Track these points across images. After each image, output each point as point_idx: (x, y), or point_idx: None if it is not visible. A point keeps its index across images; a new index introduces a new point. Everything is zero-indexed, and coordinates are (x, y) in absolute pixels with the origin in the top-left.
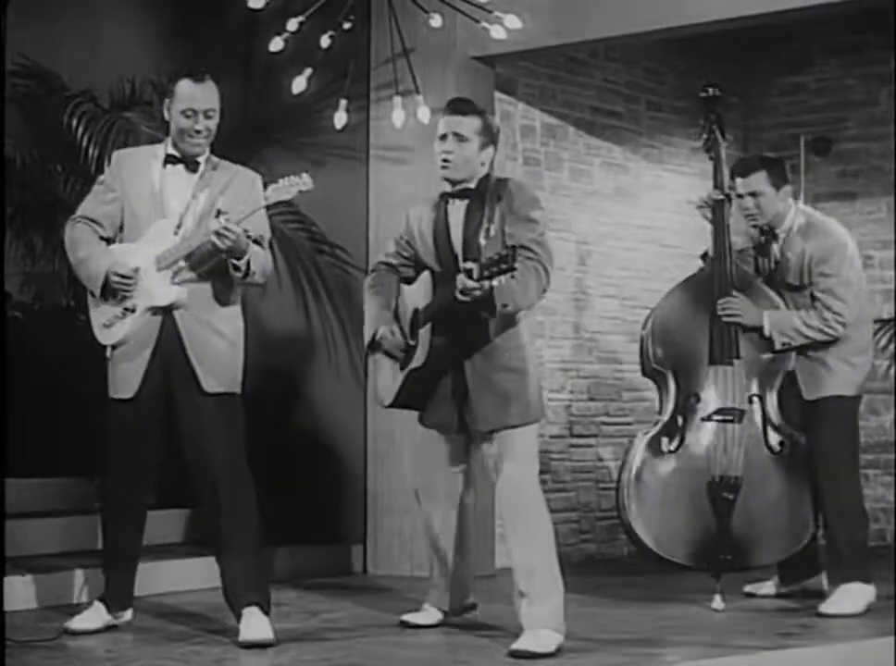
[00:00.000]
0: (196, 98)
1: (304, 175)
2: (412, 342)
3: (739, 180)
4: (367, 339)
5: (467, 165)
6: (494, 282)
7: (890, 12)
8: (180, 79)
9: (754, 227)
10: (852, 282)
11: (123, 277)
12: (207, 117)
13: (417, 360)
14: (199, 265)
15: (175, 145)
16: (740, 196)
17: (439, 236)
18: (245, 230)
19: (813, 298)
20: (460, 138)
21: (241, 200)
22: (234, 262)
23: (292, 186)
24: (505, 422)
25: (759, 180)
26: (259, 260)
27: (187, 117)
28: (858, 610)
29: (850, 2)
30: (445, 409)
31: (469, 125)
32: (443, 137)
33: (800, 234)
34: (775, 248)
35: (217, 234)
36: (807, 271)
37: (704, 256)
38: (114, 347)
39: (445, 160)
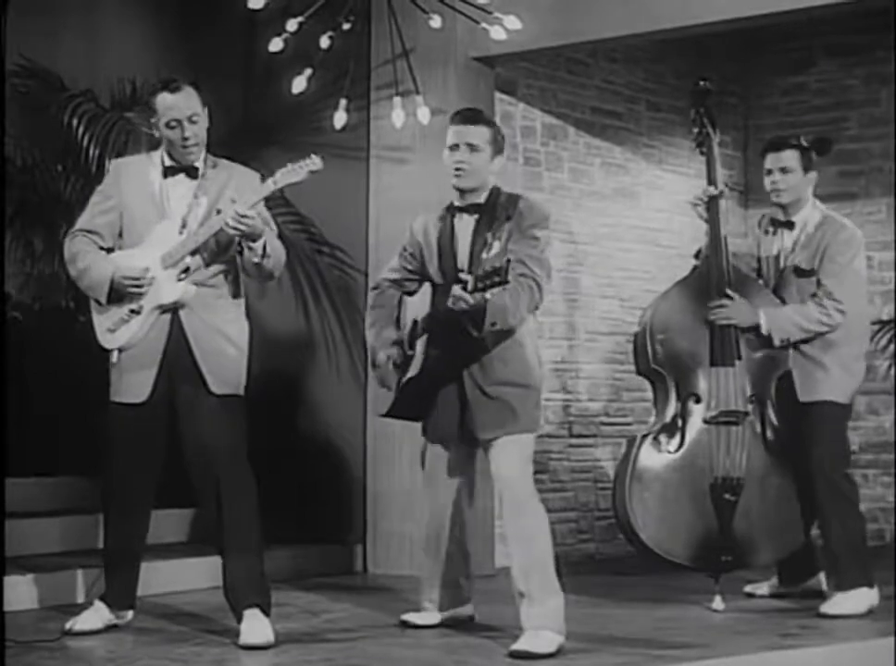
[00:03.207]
0: (176, 107)
1: (313, 156)
2: (410, 352)
3: (770, 156)
4: (369, 360)
5: (479, 174)
6: (488, 295)
7: (891, 12)
8: (157, 93)
9: (778, 204)
10: (861, 275)
11: (134, 278)
12: (193, 123)
13: (413, 369)
14: (214, 258)
15: (170, 156)
16: (769, 172)
17: (444, 248)
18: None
19: (818, 284)
20: (472, 148)
21: (240, 198)
22: (250, 244)
23: (302, 167)
24: (505, 430)
25: (791, 157)
26: (275, 246)
27: (172, 128)
28: (860, 611)
29: (850, 2)
30: (447, 422)
31: (480, 134)
32: (455, 147)
33: (815, 226)
34: (787, 236)
35: (235, 221)
36: (819, 256)
37: (698, 254)
38: (120, 350)
39: (458, 169)
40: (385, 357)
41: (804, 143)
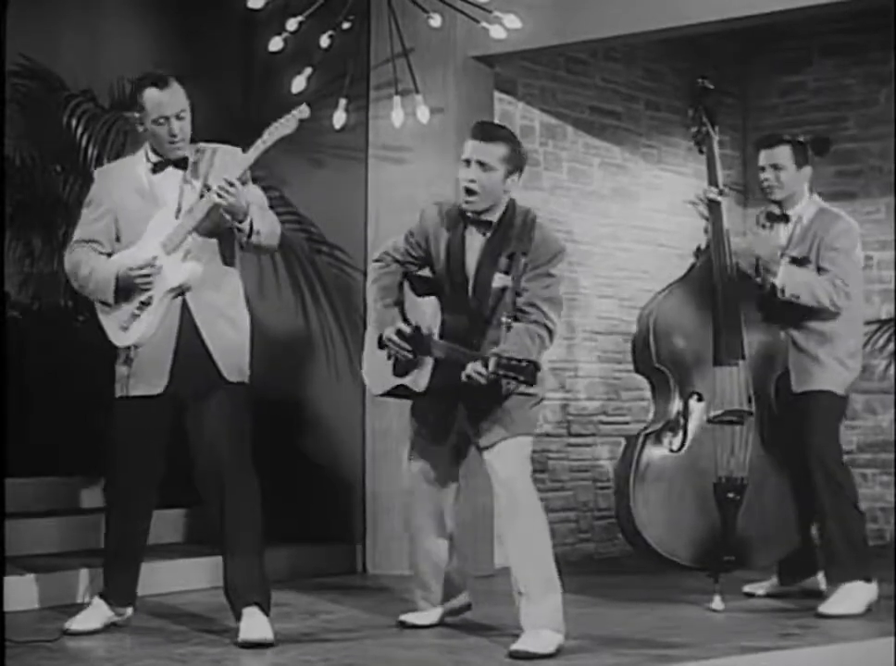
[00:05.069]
0: (164, 104)
1: (302, 106)
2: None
3: (763, 153)
4: (374, 337)
5: (490, 195)
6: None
7: (890, 12)
8: (145, 89)
9: (772, 201)
10: (859, 269)
11: (141, 267)
12: (179, 119)
13: (417, 386)
14: (211, 234)
15: (156, 152)
16: (762, 169)
17: (452, 260)
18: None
19: (819, 270)
20: (484, 166)
21: (227, 173)
22: (237, 225)
23: (290, 119)
24: (503, 435)
25: (783, 154)
26: (264, 219)
27: (160, 124)
28: (859, 610)
29: (849, 2)
30: (440, 422)
31: (495, 152)
32: (467, 162)
33: (809, 219)
34: (783, 230)
35: (220, 188)
36: (816, 247)
37: (698, 253)
38: (136, 347)
39: (468, 190)
40: (393, 332)
41: (799, 139)
